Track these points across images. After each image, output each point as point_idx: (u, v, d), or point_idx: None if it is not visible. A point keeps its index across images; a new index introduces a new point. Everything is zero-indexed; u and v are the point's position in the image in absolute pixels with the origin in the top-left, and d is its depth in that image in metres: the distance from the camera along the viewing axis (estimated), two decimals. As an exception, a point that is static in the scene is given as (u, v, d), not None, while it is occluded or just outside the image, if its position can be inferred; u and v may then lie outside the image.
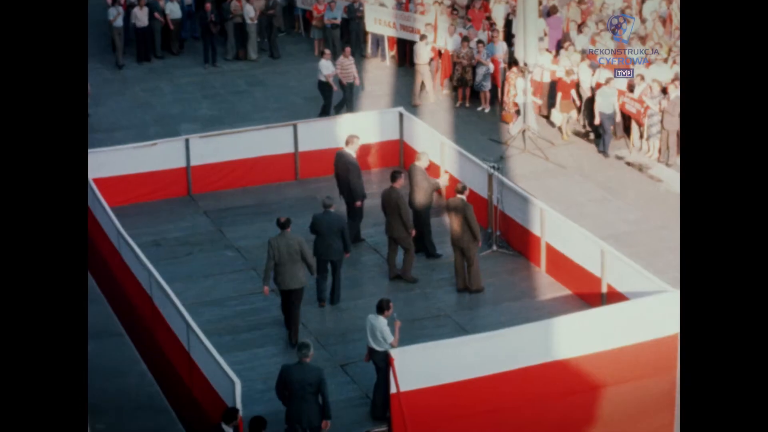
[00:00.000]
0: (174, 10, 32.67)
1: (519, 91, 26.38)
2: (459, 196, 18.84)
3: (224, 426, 14.13)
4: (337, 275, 18.51)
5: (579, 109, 26.92)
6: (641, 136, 25.44)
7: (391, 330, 15.48)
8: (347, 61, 27.88)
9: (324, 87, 27.77)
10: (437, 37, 29.15)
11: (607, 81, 25.43)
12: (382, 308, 15.56)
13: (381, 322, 15.47)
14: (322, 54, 28.79)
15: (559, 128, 26.78)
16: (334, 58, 31.35)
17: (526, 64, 25.95)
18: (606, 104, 25.43)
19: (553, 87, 27.08)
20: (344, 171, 20.50)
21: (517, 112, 26.55)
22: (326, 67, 27.66)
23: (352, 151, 20.58)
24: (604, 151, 25.50)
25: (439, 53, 29.30)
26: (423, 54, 28.96)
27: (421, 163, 20.03)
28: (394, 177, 19.28)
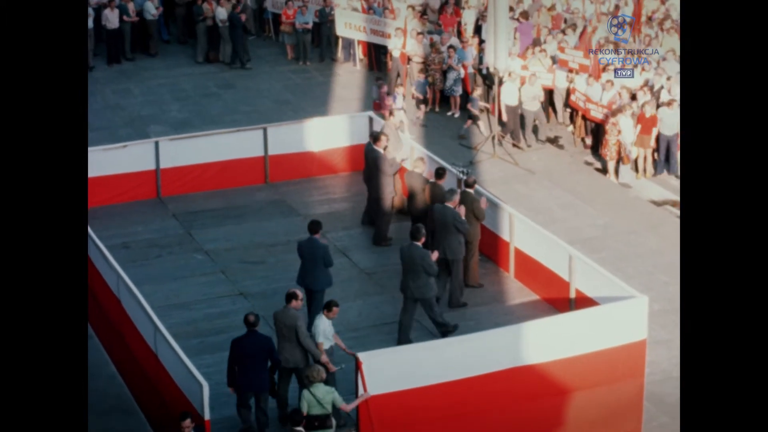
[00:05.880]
0: (149, 10, 32.56)
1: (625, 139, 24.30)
2: (468, 189, 18.90)
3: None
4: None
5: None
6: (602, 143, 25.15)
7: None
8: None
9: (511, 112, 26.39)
10: (406, 42, 29.17)
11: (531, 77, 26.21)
12: (330, 307, 15.48)
13: (323, 321, 15.41)
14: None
15: (635, 162, 24.71)
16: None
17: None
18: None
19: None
20: (374, 168, 20.51)
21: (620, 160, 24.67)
22: (511, 94, 26.26)
23: (380, 149, 20.54)
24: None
25: (408, 59, 29.29)
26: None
27: (419, 170, 20.04)
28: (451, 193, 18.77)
